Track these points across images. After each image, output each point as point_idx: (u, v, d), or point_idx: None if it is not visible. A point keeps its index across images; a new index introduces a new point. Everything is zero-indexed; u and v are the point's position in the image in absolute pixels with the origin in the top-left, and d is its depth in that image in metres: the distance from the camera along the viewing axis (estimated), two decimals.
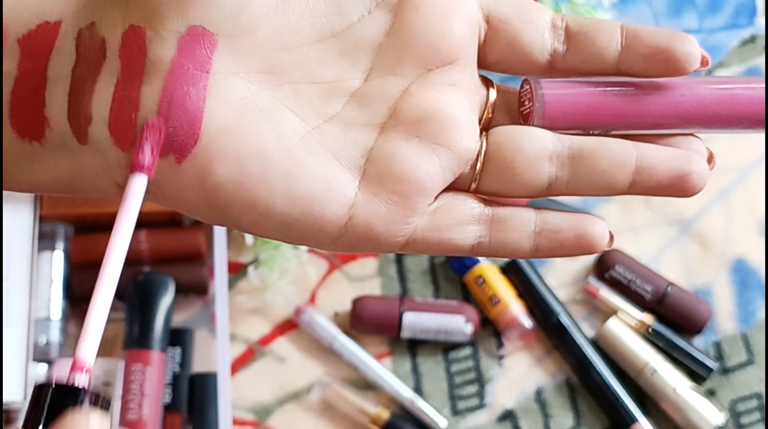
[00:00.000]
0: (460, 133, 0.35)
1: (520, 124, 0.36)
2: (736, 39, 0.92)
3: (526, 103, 0.36)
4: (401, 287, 0.83)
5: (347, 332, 0.80)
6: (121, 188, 0.33)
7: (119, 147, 0.33)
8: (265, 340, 0.81)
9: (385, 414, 0.78)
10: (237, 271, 0.82)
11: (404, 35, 0.35)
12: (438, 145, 0.34)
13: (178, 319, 0.80)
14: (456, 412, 0.80)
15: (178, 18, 0.32)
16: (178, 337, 0.78)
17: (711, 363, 0.80)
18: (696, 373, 0.80)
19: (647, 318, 0.81)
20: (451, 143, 0.34)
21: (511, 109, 0.36)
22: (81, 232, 0.81)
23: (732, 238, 0.85)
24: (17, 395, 0.73)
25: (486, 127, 0.36)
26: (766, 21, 0.92)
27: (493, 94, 0.36)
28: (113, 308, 0.89)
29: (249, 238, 0.82)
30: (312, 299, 0.82)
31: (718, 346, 0.82)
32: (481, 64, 0.36)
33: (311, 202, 0.33)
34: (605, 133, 0.36)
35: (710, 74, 0.89)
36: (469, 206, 0.35)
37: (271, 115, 0.33)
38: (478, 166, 0.35)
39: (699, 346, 0.82)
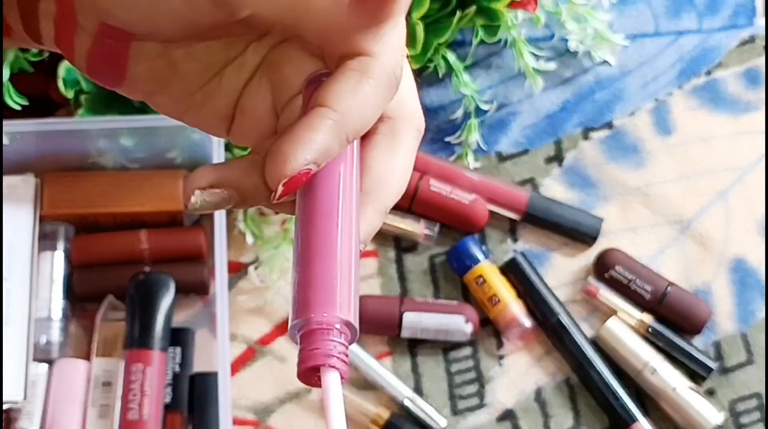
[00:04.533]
0: None
1: None
2: (736, 39, 0.92)
3: None
4: (401, 287, 0.83)
5: None
6: None
7: None
8: (266, 340, 0.81)
9: (385, 414, 0.78)
10: (237, 270, 0.82)
11: None
12: None
13: (179, 319, 0.80)
14: (456, 412, 0.80)
15: None
16: (178, 337, 0.78)
17: (711, 363, 0.80)
18: (696, 372, 0.80)
19: (647, 318, 0.81)
20: None
21: None
22: (81, 232, 0.81)
23: (731, 238, 0.85)
24: (17, 395, 0.73)
25: None
26: (765, 21, 0.92)
27: None
28: (113, 308, 0.88)
29: (249, 238, 0.82)
30: None
31: (717, 345, 0.82)
32: None
33: None
34: None
35: (708, 75, 0.89)
36: None
37: None
38: None
39: (698, 345, 0.82)
